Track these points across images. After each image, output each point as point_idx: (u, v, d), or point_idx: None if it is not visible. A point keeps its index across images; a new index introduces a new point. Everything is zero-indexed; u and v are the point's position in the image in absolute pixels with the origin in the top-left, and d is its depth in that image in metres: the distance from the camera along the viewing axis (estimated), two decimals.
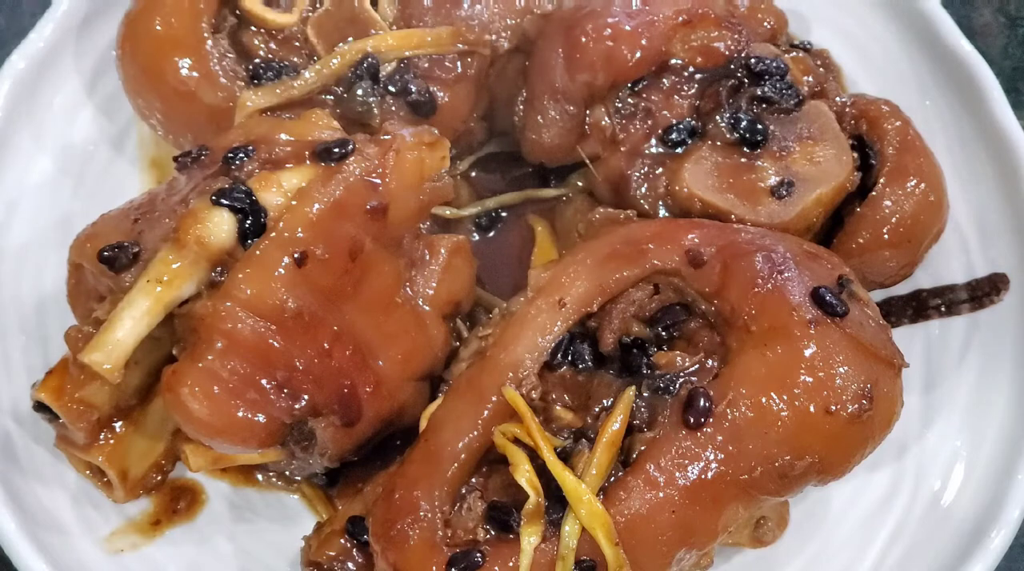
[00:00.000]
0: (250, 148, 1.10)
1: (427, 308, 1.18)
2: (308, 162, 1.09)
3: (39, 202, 1.37)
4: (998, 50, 1.62)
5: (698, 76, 1.28)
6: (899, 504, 1.25)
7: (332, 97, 1.28)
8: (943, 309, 1.34)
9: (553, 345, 1.08)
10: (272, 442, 1.07)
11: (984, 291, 1.32)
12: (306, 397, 1.05)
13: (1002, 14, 1.64)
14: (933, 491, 1.25)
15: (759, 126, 1.23)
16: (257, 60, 1.30)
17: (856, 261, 1.20)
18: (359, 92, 1.26)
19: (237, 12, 1.32)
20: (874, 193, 1.22)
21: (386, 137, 1.13)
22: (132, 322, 1.03)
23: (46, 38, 1.38)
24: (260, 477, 1.28)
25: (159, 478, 1.24)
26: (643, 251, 1.10)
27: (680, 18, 1.27)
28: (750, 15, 1.32)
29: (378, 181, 1.09)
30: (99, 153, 1.42)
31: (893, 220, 1.21)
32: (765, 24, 1.33)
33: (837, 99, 1.31)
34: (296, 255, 1.03)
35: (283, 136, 1.13)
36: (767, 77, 1.25)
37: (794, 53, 1.34)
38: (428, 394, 1.19)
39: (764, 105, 1.25)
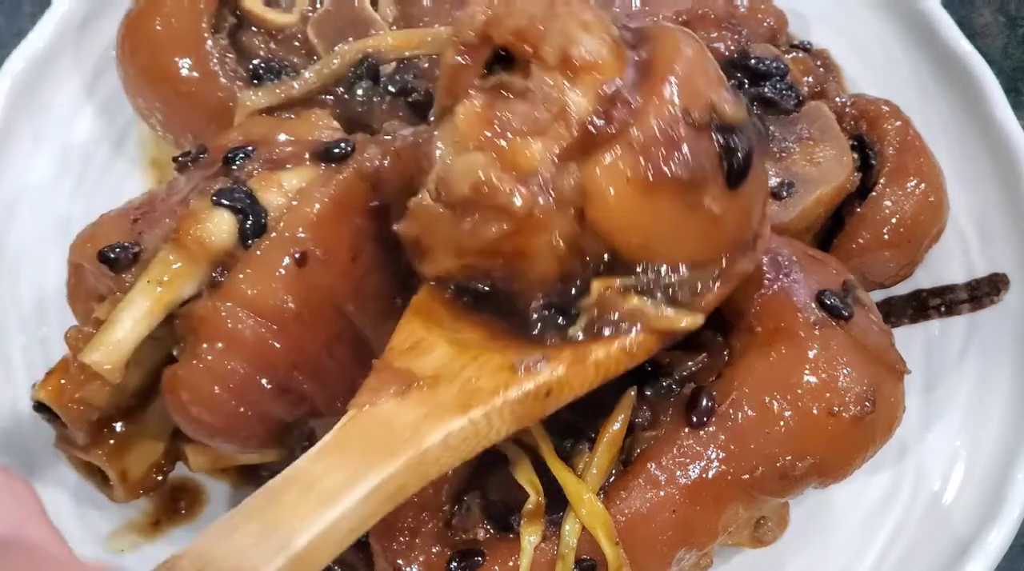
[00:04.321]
0: (250, 148, 1.10)
1: None
2: (308, 162, 1.09)
3: (39, 202, 1.37)
4: (998, 50, 1.62)
5: None
6: (899, 504, 1.25)
7: (332, 97, 1.28)
8: (943, 309, 1.34)
9: None
10: (273, 442, 1.07)
11: (984, 291, 1.32)
12: (307, 397, 1.05)
13: (1002, 14, 1.64)
14: (933, 491, 1.25)
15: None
16: (257, 60, 1.30)
17: (856, 261, 1.21)
18: (359, 92, 1.26)
19: (237, 12, 1.32)
20: (874, 193, 1.22)
21: (386, 137, 1.13)
22: (132, 322, 1.02)
23: (46, 38, 1.38)
24: (264, 475, 1.27)
25: (159, 478, 1.23)
26: None
27: (680, 19, 1.27)
28: (750, 15, 1.32)
29: (379, 180, 1.09)
30: (99, 153, 1.42)
31: (893, 220, 1.21)
32: (765, 24, 1.33)
33: (837, 99, 1.31)
34: (297, 255, 1.03)
35: (283, 136, 1.12)
36: (767, 78, 1.25)
37: (794, 53, 1.34)
38: None
39: (764, 106, 1.25)
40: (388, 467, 0.81)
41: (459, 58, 0.95)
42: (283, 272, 1.03)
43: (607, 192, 0.88)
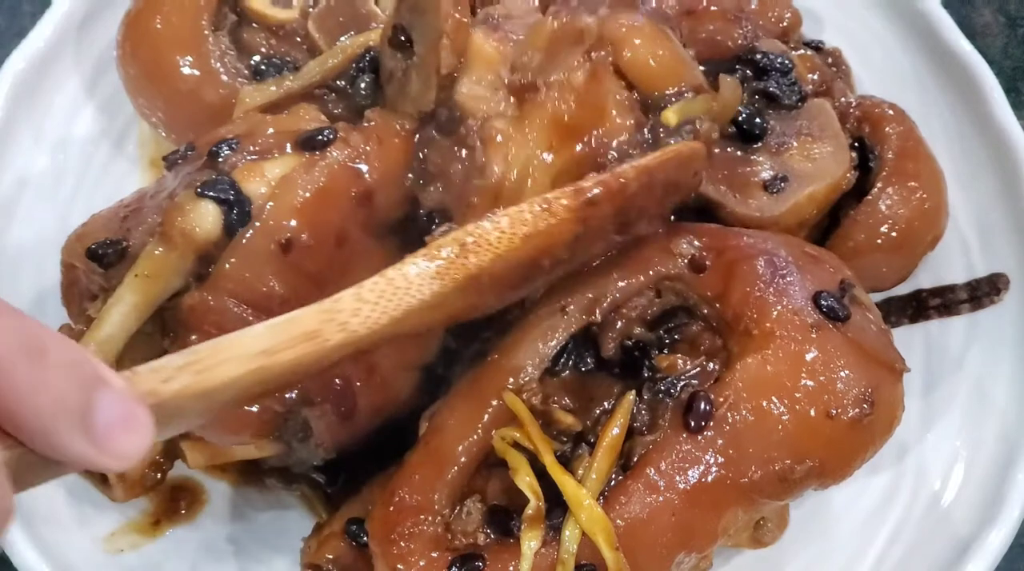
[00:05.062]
0: (234, 141, 1.10)
1: None
2: (291, 151, 1.09)
3: (39, 202, 1.37)
4: (998, 50, 1.62)
5: (701, 68, 1.27)
6: (899, 504, 1.25)
7: (334, 92, 1.27)
8: (943, 309, 1.34)
9: (555, 351, 1.07)
10: (266, 432, 1.08)
11: (984, 291, 1.32)
12: (297, 384, 1.05)
13: (1002, 14, 1.64)
14: (933, 491, 1.25)
15: (757, 120, 1.23)
16: (258, 57, 1.30)
17: (850, 264, 1.20)
18: (361, 87, 1.26)
19: (237, 9, 1.32)
20: (870, 196, 1.22)
21: (368, 123, 1.13)
22: (121, 317, 1.03)
23: (46, 38, 1.37)
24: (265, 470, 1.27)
25: (158, 477, 1.23)
26: (646, 256, 1.09)
27: (683, 10, 1.27)
28: (760, 12, 1.32)
29: (363, 167, 1.09)
30: (99, 152, 1.42)
31: (887, 224, 1.21)
32: (773, 19, 1.33)
33: (843, 99, 1.30)
34: (282, 242, 1.03)
35: (269, 129, 1.12)
36: (771, 72, 1.25)
37: (803, 51, 1.34)
38: (424, 385, 1.18)
39: (766, 100, 1.25)
40: (298, 312, 0.82)
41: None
42: (269, 259, 1.03)
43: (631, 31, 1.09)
